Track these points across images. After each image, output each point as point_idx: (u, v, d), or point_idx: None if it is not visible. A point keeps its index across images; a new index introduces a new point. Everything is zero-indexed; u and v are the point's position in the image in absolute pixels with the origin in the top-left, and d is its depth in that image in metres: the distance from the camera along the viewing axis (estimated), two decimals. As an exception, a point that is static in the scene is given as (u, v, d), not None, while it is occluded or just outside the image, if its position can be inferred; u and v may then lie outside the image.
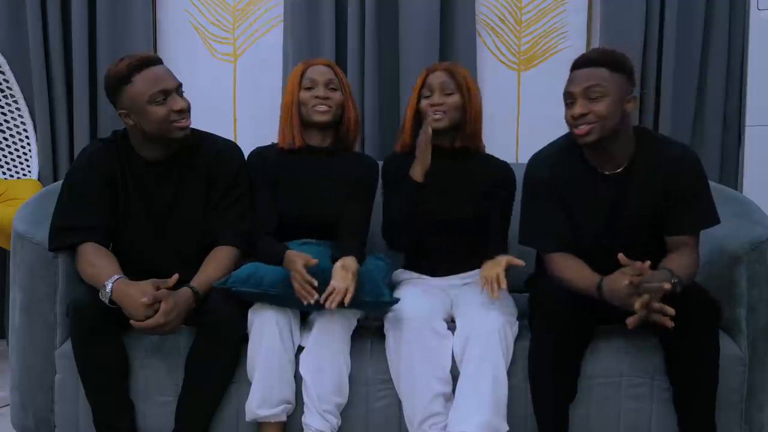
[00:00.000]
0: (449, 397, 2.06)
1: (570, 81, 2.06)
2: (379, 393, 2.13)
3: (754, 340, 2.16)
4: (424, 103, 2.32)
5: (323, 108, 2.31)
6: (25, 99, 3.05)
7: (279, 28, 3.12)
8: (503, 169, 2.38)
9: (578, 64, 2.06)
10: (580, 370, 2.10)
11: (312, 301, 2.01)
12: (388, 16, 3.05)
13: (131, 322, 1.97)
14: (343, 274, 2.05)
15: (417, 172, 2.23)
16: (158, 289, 1.99)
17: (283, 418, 2.09)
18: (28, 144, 3.08)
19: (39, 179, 3.05)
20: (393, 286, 2.32)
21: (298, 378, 2.09)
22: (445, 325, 2.14)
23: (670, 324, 1.87)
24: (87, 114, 3.07)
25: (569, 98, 2.05)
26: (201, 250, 2.18)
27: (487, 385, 2.02)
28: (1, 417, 2.50)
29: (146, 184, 2.19)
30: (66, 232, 2.13)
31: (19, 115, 3.06)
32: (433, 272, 2.35)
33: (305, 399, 2.08)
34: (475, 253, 2.31)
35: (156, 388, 2.14)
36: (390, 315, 2.12)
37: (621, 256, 1.90)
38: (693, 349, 1.99)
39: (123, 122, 2.15)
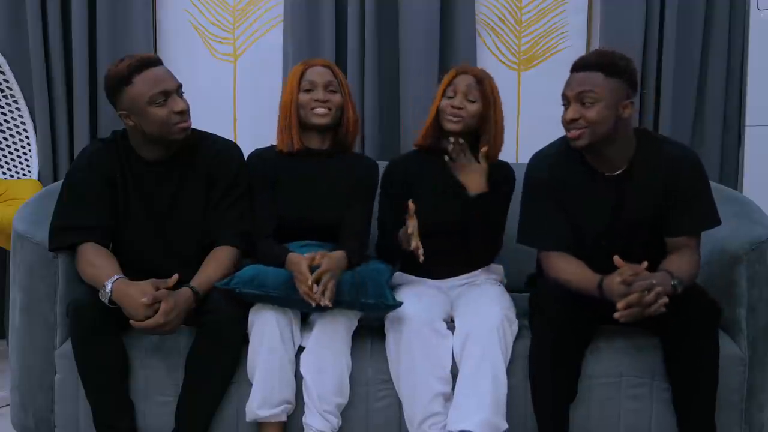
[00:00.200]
0: (449, 396, 2.07)
1: (566, 83, 2.06)
2: (379, 393, 2.13)
3: (754, 340, 2.16)
4: (444, 102, 2.29)
5: (322, 111, 2.30)
6: (25, 99, 3.05)
7: (279, 28, 3.11)
8: (505, 170, 2.36)
9: (576, 67, 2.07)
10: (580, 370, 2.10)
11: (316, 303, 2.01)
12: (388, 16, 3.04)
13: (131, 322, 1.97)
14: (327, 260, 2.05)
15: (405, 245, 2.16)
16: (158, 289, 1.98)
17: (284, 419, 2.09)
18: (28, 144, 3.08)
19: (39, 179, 3.05)
20: (392, 288, 2.31)
21: (298, 378, 2.09)
22: (444, 325, 2.14)
23: (664, 300, 1.86)
24: (87, 114, 3.07)
25: (564, 100, 2.06)
26: (201, 250, 2.18)
27: (486, 383, 2.02)
28: (1, 417, 2.50)
29: (146, 184, 2.19)
30: (66, 232, 2.13)
31: (19, 115, 3.06)
32: (432, 275, 2.34)
33: (306, 399, 2.08)
34: (474, 256, 2.31)
35: (156, 388, 2.14)
36: (390, 315, 2.13)
37: (616, 258, 1.91)
38: (692, 349, 1.99)
39: (123, 123, 2.15)
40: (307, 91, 2.31)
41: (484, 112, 2.28)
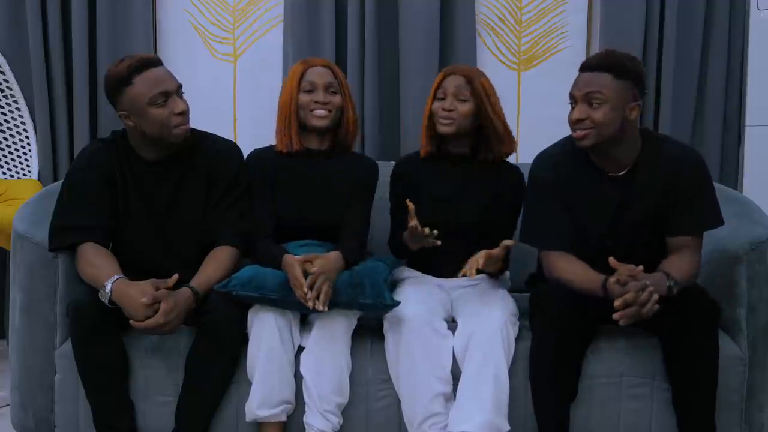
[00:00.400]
0: (449, 397, 2.06)
1: (574, 83, 2.06)
2: (379, 393, 2.13)
3: (754, 340, 2.16)
4: (436, 105, 2.27)
5: (323, 113, 2.29)
6: (25, 99, 3.05)
7: (279, 28, 3.11)
8: (514, 173, 2.34)
9: (584, 67, 2.06)
10: (581, 369, 2.10)
11: (310, 306, 2.01)
12: (388, 16, 3.04)
13: (131, 322, 1.97)
14: (321, 262, 2.04)
15: (412, 247, 2.14)
16: (158, 289, 1.98)
17: (283, 419, 2.09)
18: (28, 144, 3.08)
19: (39, 179, 3.05)
20: (394, 283, 2.31)
21: (298, 378, 2.09)
22: (445, 325, 2.14)
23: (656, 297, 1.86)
24: (87, 114, 3.07)
25: (571, 100, 2.05)
26: (201, 250, 2.18)
27: (488, 384, 2.02)
28: (1, 417, 2.50)
29: (146, 184, 2.19)
30: (66, 232, 2.13)
31: (19, 115, 3.06)
32: (438, 273, 2.34)
33: (306, 399, 2.08)
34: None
35: (156, 388, 2.14)
36: (390, 315, 2.12)
37: (611, 259, 1.91)
38: (692, 349, 1.99)
39: (123, 123, 2.15)
40: (308, 92, 2.30)
41: (477, 110, 2.25)
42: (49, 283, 2.17)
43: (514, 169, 2.36)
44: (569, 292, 2.02)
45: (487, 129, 2.27)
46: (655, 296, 1.86)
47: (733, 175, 3.14)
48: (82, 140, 3.04)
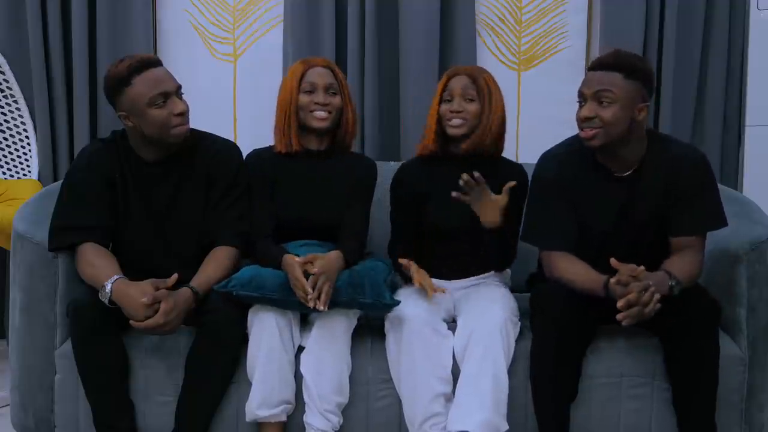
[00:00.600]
0: (450, 397, 2.06)
1: (584, 81, 2.05)
2: (380, 393, 2.13)
3: (754, 340, 2.16)
4: (443, 108, 2.26)
5: (323, 114, 2.29)
6: (25, 99, 3.05)
7: (279, 28, 3.11)
8: (520, 172, 2.32)
9: (594, 66, 2.06)
10: (581, 369, 2.10)
11: (311, 306, 2.01)
12: (388, 16, 3.04)
13: (131, 322, 1.97)
14: (322, 263, 2.04)
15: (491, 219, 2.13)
16: (158, 289, 1.98)
17: (283, 419, 2.09)
18: (28, 144, 3.08)
19: (39, 179, 3.05)
20: (395, 285, 2.31)
21: (298, 378, 2.09)
22: (445, 325, 2.14)
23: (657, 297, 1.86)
24: (87, 114, 3.07)
25: (580, 98, 2.05)
26: (200, 250, 2.18)
27: (487, 383, 2.02)
28: (1, 417, 2.50)
29: (146, 184, 2.19)
30: (66, 232, 2.13)
31: (19, 115, 3.06)
32: (438, 275, 2.33)
33: (306, 399, 2.08)
34: (482, 258, 2.29)
35: (156, 388, 2.14)
36: (390, 315, 2.12)
37: (613, 260, 1.91)
38: (693, 349, 1.99)
39: (122, 124, 2.15)
40: (308, 92, 2.29)
41: (482, 108, 2.25)
42: (49, 283, 2.17)
43: (517, 167, 2.35)
44: (570, 292, 2.02)
45: (482, 125, 2.25)
46: (657, 296, 1.86)
47: (733, 175, 3.13)
48: (82, 140, 3.04)
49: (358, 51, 3.02)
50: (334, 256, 2.11)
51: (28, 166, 3.08)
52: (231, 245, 2.18)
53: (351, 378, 2.12)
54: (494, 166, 2.30)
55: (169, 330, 2.00)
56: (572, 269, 2.05)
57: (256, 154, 2.37)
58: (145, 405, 2.15)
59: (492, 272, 2.35)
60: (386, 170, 2.46)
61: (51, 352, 2.18)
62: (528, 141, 3.06)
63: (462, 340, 2.09)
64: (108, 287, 1.99)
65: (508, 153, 2.50)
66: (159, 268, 2.09)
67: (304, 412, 2.09)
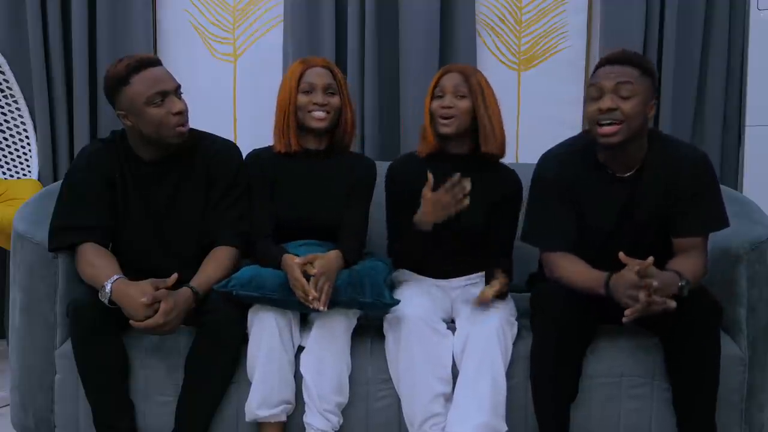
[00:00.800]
0: (449, 396, 2.06)
1: (600, 75, 2.01)
2: (379, 393, 2.13)
3: (754, 340, 2.16)
4: (434, 104, 2.27)
5: (321, 114, 2.29)
6: (25, 99, 3.05)
7: (279, 28, 3.12)
8: (513, 179, 2.33)
9: (608, 61, 2.03)
10: (581, 369, 2.10)
11: (313, 306, 2.01)
12: (388, 16, 3.04)
13: (131, 322, 1.97)
14: (322, 263, 2.04)
15: (425, 224, 2.12)
16: (158, 288, 1.98)
17: (283, 419, 2.09)
18: (28, 144, 3.08)
19: (39, 179, 3.05)
20: (393, 285, 2.31)
21: (298, 378, 2.09)
22: (444, 325, 2.14)
23: (673, 304, 1.83)
24: (87, 114, 3.07)
25: (597, 92, 2.00)
26: (200, 250, 2.18)
27: (486, 385, 2.02)
28: (1, 417, 2.50)
29: (145, 184, 2.19)
30: (66, 232, 2.13)
31: (19, 115, 3.06)
32: (436, 274, 2.34)
33: (306, 399, 2.08)
34: (479, 257, 2.30)
35: (156, 388, 2.14)
36: (389, 315, 2.12)
37: (621, 254, 1.88)
38: (694, 349, 1.98)
39: (121, 123, 2.15)
40: (306, 92, 2.29)
41: (474, 107, 2.25)
42: (49, 283, 2.17)
43: (511, 173, 2.35)
44: (570, 291, 2.02)
45: (484, 129, 2.25)
46: (672, 304, 1.84)
47: (733, 175, 3.13)
48: (82, 140, 3.04)
49: (358, 51, 3.02)
50: (333, 255, 2.11)
51: (28, 166, 3.08)
52: (231, 245, 2.18)
53: (351, 378, 2.12)
54: (490, 169, 2.31)
55: (169, 330, 2.00)
56: (572, 268, 2.05)
57: (256, 154, 2.37)
58: (145, 405, 2.15)
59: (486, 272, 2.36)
60: (386, 170, 2.46)
61: (51, 352, 2.18)
62: (528, 141, 3.06)
63: (460, 342, 2.09)
64: (108, 287, 1.99)
65: (508, 153, 2.50)
66: (159, 268, 2.09)
67: (303, 412, 2.09)
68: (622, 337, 2.13)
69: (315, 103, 2.28)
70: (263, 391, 2.05)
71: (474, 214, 2.24)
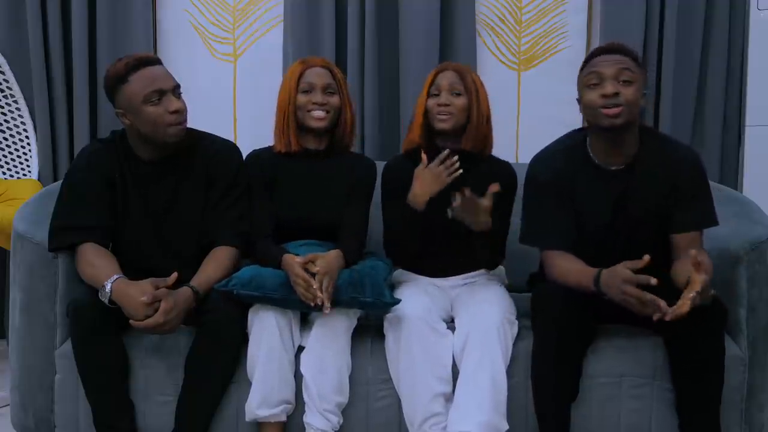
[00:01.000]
0: (449, 396, 2.06)
1: (598, 63, 2.04)
2: (379, 393, 2.13)
3: (754, 340, 2.16)
4: (431, 102, 2.30)
5: (320, 114, 2.29)
6: (25, 99, 3.05)
7: (279, 28, 3.12)
8: (508, 172, 2.35)
9: (604, 50, 2.07)
10: (581, 369, 2.10)
11: (319, 303, 2.01)
12: (388, 16, 3.04)
13: (131, 322, 1.97)
14: (323, 262, 2.05)
15: (419, 201, 2.16)
16: (158, 288, 1.98)
17: (283, 418, 2.09)
18: (28, 144, 3.08)
19: (39, 179, 3.05)
20: (393, 285, 2.31)
21: (298, 378, 2.09)
22: (444, 325, 2.14)
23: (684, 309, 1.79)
24: (87, 114, 3.07)
25: (597, 78, 2.02)
26: (200, 250, 2.18)
27: (486, 384, 2.02)
28: (1, 417, 2.50)
29: (145, 184, 2.19)
30: (66, 232, 2.13)
31: (19, 115, 3.06)
32: (434, 273, 2.35)
33: (306, 398, 2.08)
34: (477, 255, 2.31)
35: (156, 388, 2.14)
36: (389, 315, 2.12)
37: (646, 257, 1.83)
38: (699, 351, 1.97)
39: (120, 122, 2.15)
40: (305, 92, 2.30)
41: (470, 104, 2.28)
42: (49, 283, 2.17)
43: (505, 165, 2.37)
44: (569, 291, 2.02)
45: (471, 123, 2.28)
46: (684, 309, 1.79)
47: (733, 175, 3.14)
48: (82, 140, 3.04)
49: (358, 51, 3.02)
50: (334, 255, 2.11)
51: (28, 166, 3.08)
52: (231, 245, 2.18)
53: (351, 378, 2.12)
54: (483, 163, 2.33)
55: (169, 329, 2.00)
56: (566, 266, 2.05)
57: (256, 154, 2.38)
58: (145, 405, 2.15)
59: (486, 270, 2.36)
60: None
61: (51, 352, 2.18)
62: (528, 141, 3.06)
63: (460, 341, 2.09)
64: (108, 287, 1.99)
65: (508, 153, 2.51)
66: (158, 268, 2.09)
67: (303, 412, 2.09)
68: (622, 337, 2.13)
69: (314, 103, 2.28)
70: (263, 390, 2.05)
71: (466, 241, 2.24)
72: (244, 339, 2.10)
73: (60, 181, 2.28)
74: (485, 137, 2.32)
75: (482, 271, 2.36)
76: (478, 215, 2.10)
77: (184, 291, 2.04)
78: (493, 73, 3.13)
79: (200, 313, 2.06)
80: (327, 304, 2.00)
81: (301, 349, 2.12)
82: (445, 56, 3.04)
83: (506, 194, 2.30)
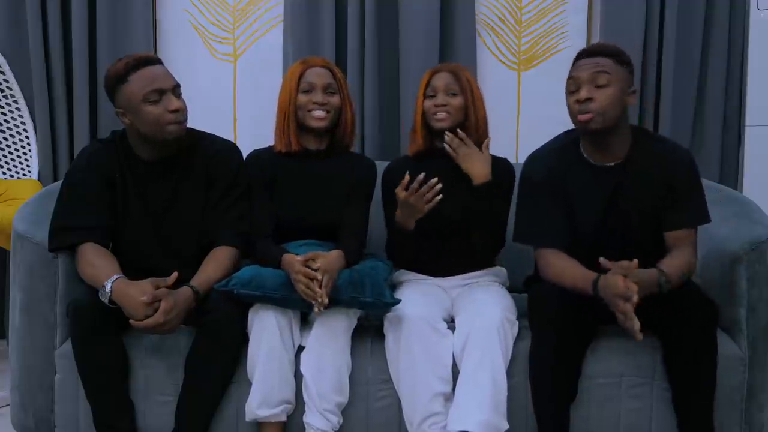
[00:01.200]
0: (449, 396, 2.06)
1: (576, 68, 2.08)
2: (379, 393, 2.13)
3: (754, 340, 2.16)
4: (427, 103, 2.32)
5: (321, 114, 2.29)
6: (25, 99, 3.05)
7: (279, 28, 3.12)
8: (506, 167, 2.38)
9: (584, 54, 2.10)
10: (580, 369, 2.10)
11: (320, 300, 2.01)
12: (388, 16, 3.05)
13: (131, 321, 1.97)
14: (323, 261, 2.05)
15: (408, 222, 2.20)
16: (158, 288, 1.98)
17: (283, 418, 2.09)
18: (28, 144, 3.08)
19: (39, 179, 3.05)
20: (394, 286, 2.32)
21: (298, 378, 2.09)
22: (444, 324, 2.14)
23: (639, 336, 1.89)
24: (87, 114, 3.07)
25: (574, 84, 2.06)
26: (200, 250, 2.18)
27: (486, 383, 2.02)
28: (1, 417, 2.50)
29: (145, 184, 2.19)
30: (66, 232, 2.13)
31: (19, 115, 3.06)
32: (435, 273, 2.35)
33: (306, 398, 2.08)
34: (477, 254, 2.31)
35: (156, 388, 2.14)
36: (390, 314, 2.13)
37: (602, 260, 1.91)
38: (690, 349, 1.99)
39: (120, 122, 2.15)
40: (306, 92, 2.30)
41: (466, 103, 2.31)
42: (49, 283, 2.17)
43: (502, 160, 2.38)
44: (563, 291, 2.02)
45: (470, 121, 2.31)
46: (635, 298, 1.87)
47: (733, 175, 3.14)
48: (82, 140, 3.04)
49: (358, 51, 3.02)
50: (335, 255, 2.11)
51: (28, 166, 3.08)
52: (231, 245, 2.18)
53: (351, 378, 2.12)
54: None
55: (169, 329, 2.00)
56: (562, 266, 2.06)
57: (256, 154, 2.38)
58: (145, 405, 2.15)
59: (487, 269, 2.37)
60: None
61: (51, 352, 2.18)
62: (528, 141, 3.05)
63: (460, 341, 2.09)
64: (108, 287, 1.99)
65: (509, 153, 2.51)
66: (158, 268, 2.09)
67: (303, 412, 2.09)
68: (621, 337, 2.13)
69: (315, 102, 2.29)
70: (263, 390, 2.05)
71: (468, 206, 2.25)
72: (244, 339, 2.10)
73: (60, 181, 2.28)
74: (483, 132, 2.34)
75: (483, 270, 2.36)
76: (476, 166, 2.22)
77: (184, 291, 2.04)
78: (493, 73, 3.13)
79: (200, 313, 2.06)
80: (325, 300, 2.00)
81: (301, 349, 2.12)
82: (445, 56, 3.04)
83: (504, 185, 2.32)
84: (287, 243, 2.25)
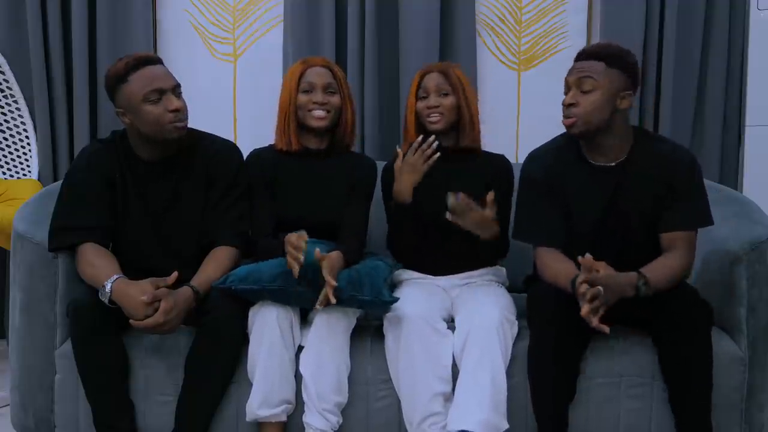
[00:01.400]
0: (449, 396, 2.06)
1: (569, 71, 2.10)
2: (379, 393, 2.13)
3: (754, 340, 2.16)
4: (420, 105, 2.33)
5: (321, 113, 2.30)
6: (25, 99, 3.05)
7: (279, 28, 3.12)
8: (503, 165, 2.39)
9: (579, 56, 2.11)
10: (579, 369, 2.10)
11: (297, 268, 1.99)
12: (388, 16, 3.05)
13: (131, 321, 1.97)
14: (326, 263, 2.04)
15: (403, 195, 2.22)
16: (158, 287, 1.98)
17: (284, 418, 2.09)
18: (28, 144, 3.08)
19: (39, 179, 3.05)
20: (394, 285, 2.32)
21: (298, 378, 2.09)
22: (444, 324, 2.14)
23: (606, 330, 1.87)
24: (87, 114, 3.07)
25: (565, 89, 2.09)
26: (200, 250, 2.18)
27: (486, 383, 2.02)
28: (1, 417, 2.50)
29: (145, 184, 2.19)
30: (66, 232, 2.13)
31: (19, 115, 3.06)
32: (435, 272, 2.35)
33: (305, 398, 2.08)
34: (477, 253, 2.31)
35: (156, 388, 2.14)
36: (389, 314, 2.12)
37: (580, 258, 1.91)
38: (684, 350, 1.99)
39: (120, 121, 2.15)
40: (306, 92, 2.31)
41: (458, 102, 2.32)
42: (49, 283, 2.17)
43: (499, 157, 2.40)
44: (560, 291, 2.02)
45: (463, 119, 2.33)
46: (596, 303, 1.86)
47: (733, 175, 3.14)
48: (82, 140, 3.04)
49: (358, 51, 3.02)
50: (335, 255, 2.11)
51: (28, 166, 3.08)
52: (231, 245, 2.18)
53: (351, 378, 2.12)
54: (477, 159, 2.37)
55: (169, 329, 2.00)
56: (554, 265, 2.07)
57: (257, 153, 2.38)
58: (145, 405, 2.15)
59: (487, 269, 2.37)
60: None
61: (51, 352, 2.18)
62: (528, 141, 3.04)
63: (460, 340, 2.09)
64: (108, 287, 1.99)
65: (509, 153, 2.51)
66: (158, 268, 2.09)
67: (303, 412, 2.09)
68: (620, 338, 2.13)
69: (315, 102, 2.29)
70: (264, 390, 2.05)
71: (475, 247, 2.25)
72: (244, 339, 2.10)
73: (60, 181, 2.28)
74: (477, 133, 2.36)
75: (483, 270, 2.37)
76: (483, 227, 2.16)
77: (184, 291, 2.04)
78: (493, 73, 3.14)
79: (200, 313, 2.06)
80: (332, 300, 2.00)
81: (301, 348, 2.12)
82: (445, 56, 3.04)
83: (503, 185, 2.32)
84: (287, 243, 2.25)
